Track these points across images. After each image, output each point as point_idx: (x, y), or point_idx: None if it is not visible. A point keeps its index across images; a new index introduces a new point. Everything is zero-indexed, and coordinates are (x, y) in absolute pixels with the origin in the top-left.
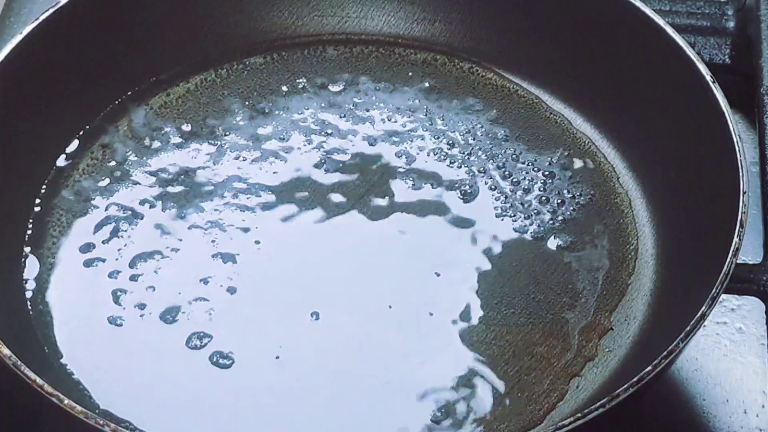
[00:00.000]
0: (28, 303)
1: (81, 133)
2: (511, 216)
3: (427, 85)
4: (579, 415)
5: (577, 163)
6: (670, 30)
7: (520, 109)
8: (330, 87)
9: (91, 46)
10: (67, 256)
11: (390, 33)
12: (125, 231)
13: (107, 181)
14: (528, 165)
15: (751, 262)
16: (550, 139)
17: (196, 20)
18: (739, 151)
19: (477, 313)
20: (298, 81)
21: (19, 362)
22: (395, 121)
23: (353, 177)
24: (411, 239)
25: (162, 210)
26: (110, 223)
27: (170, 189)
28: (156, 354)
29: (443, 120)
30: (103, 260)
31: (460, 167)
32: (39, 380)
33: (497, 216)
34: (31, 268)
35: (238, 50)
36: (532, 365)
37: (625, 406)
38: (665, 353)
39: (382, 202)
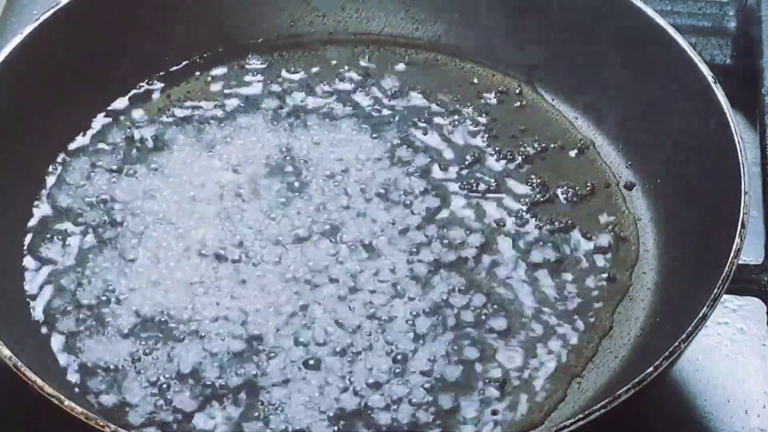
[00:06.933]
0: (29, 303)
1: (81, 132)
2: (510, 215)
3: (428, 85)
4: (581, 415)
5: (578, 163)
6: (671, 30)
7: (521, 109)
8: (331, 87)
9: (91, 46)
10: (67, 256)
11: (391, 33)
12: (127, 230)
13: (109, 179)
14: (528, 164)
15: (752, 263)
16: (550, 139)
17: (195, 20)
18: (740, 151)
19: (478, 314)
20: (298, 81)
21: (19, 363)
22: (397, 121)
23: (357, 177)
24: (413, 235)
25: (163, 208)
26: (111, 223)
27: (172, 186)
28: (156, 354)
29: (444, 119)
30: (104, 260)
31: (461, 166)
32: (39, 381)
33: (496, 215)
34: (32, 268)
35: (239, 50)
36: (534, 365)
37: (627, 407)
38: (666, 354)
39: (389, 201)
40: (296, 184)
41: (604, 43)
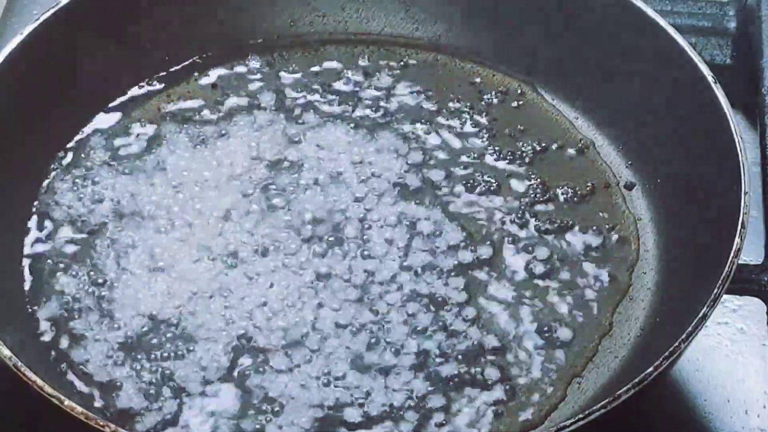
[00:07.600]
0: (28, 303)
1: (81, 132)
2: (510, 216)
3: (428, 85)
4: (581, 415)
5: (578, 163)
6: (671, 30)
7: (521, 109)
8: (331, 87)
9: (91, 47)
10: (67, 256)
11: (391, 33)
12: (127, 230)
13: (108, 179)
14: (528, 164)
15: (752, 263)
16: (550, 139)
17: (196, 21)
18: (740, 151)
19: (478, 313)
20: (298, 81)
21: (19, 363)
22: (397, 121)
23: (356, 177)
24: (412, 235)
25: (163, 208)
26: (111, 223)
27: (171, 186)
28: (155, 353)
29: (444, 119)
30: (104, 260)
31: (461, 166)
32: (39, 381)
33: (496, 215)
34: (31, 268)
35: (239, 50)
36: (533, 365)
37: (627, 407)
38: (666, 354)
39: (389, 201)
40: (295, 184)
41: (604, 43)
